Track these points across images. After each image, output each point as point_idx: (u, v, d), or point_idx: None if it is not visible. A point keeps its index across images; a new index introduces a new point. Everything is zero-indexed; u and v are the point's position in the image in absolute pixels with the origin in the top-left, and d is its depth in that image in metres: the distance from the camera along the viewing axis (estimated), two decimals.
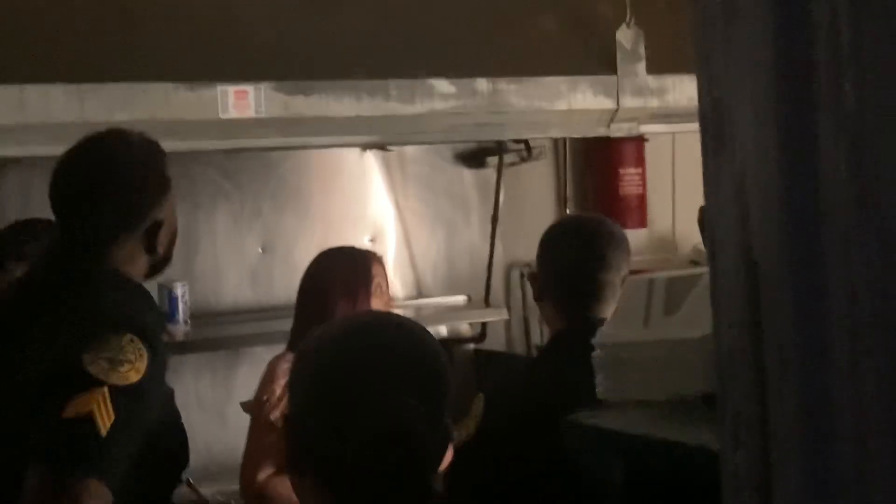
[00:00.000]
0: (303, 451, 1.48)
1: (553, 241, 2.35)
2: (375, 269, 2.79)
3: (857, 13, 0.70)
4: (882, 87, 0.72)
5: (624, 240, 2.34)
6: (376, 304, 2.74)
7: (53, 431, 1.81)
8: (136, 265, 2.05)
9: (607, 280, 2.26)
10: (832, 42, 0.74)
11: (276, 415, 2.58)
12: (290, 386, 1.55)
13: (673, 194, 3.89)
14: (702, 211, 2.25)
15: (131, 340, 1.89)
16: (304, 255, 3.37)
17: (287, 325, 2.89)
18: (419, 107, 3.14)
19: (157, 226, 2.05)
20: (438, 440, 1.48)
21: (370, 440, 1.42)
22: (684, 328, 1.26)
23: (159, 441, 1.97)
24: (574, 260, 2.28)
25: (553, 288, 2.30)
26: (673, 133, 3.70)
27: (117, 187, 2.04)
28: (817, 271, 0.77)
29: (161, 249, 2.07)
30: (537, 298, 2.38)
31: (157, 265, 2.10)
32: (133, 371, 1.87)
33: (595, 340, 1.35)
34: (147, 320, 1.98)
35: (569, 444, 1.23)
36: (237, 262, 3.64)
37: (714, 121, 0.85)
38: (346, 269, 2.75)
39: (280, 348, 2.88)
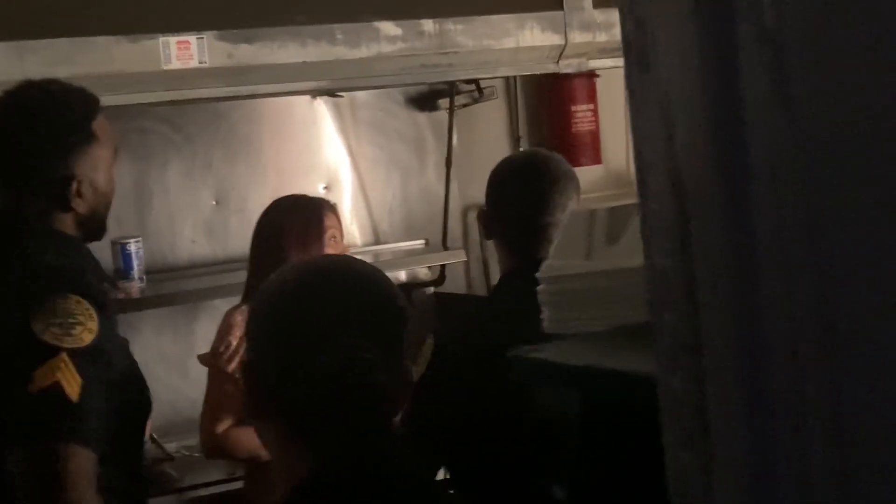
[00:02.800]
0: (263, 396, 1.49)
1: (499, 181, 2.34)
2: (329, 218, 2.77)
3: None
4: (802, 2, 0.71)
5: (572, 178, 2.33)
6: (331, 252, 2.73)
7: (26, 408, 1.79)
8: (64, 223, 2.00)
9: (553, 220, 2.25)
10: None
11: (233, 366, 2.58)
12: (248, 332, 1.55)
13: (626, 129, 3.88)
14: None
15: (77, 302, 1.87)
16: (258, 206, 3.34)
17: (243, 277, 2.88)
18: (365, 50, 3.11)
19: (68, 180, 1.98)
20: (397, 381, 1.49)
21: (325, 380, 1.43)
22: (626, 257, 1.26)
23: (123, 393, 1.96)
24: (519, 201, 2.27)
25: (501, 228, 2.30)
26: (622, 68, 3.68)
27: (11, 138, 1.98)
28: (744, 190, 0.76)
29: (81, 207, 2.00)
30: (487, 237, 2.38)
31: (87, 224, 2.03)
32: (86, 332, 1.86)
33: (539, 275, 1.35)
34: (88, 278, 1.95)
35: (515, 378, 1.23)
36: (191, 215, 3.61)
37: (637, 42, 0.84)
38: (299, 219, 2.73)
39: (238, 300, 2.87)
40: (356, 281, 1.52)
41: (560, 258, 1.34)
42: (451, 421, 2.17)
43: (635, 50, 0.84)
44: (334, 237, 2.74)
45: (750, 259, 0.77)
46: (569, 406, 1.40)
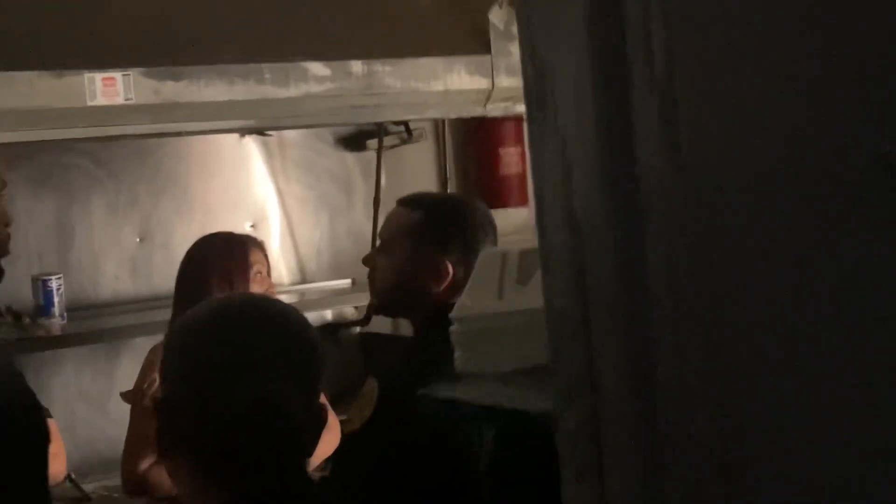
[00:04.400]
0: (174, 435, 1.47)
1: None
2: (254, 255, 2.76)
3: None
4: (688, 46, 0.73)
5: (492, 221, 2.35)
6: (256, 290, 2.71)
7: None
8: None
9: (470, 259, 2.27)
10: (642, 3, 0.75)
11: None
12: (161, 368, 1.54)
13: None
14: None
15: None
16: (184, 244, 3.31)
17: (167, 314, 2.86)
18: (293, 90, 3.11)
19: None
20: (310, 421, 1.48)
21: (236, 419, 1.42)
22: (536, 298, 1.27)
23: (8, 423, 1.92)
24: None
25: (453, 260, 2.31)
26: None
27: None
28: (636, 232, 0.78)
29: None
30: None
31: None
32: None
33: (452, 315, 1.36)
34: None
35: (426, 418, 1.24)
36: (115, 252, 3.57)
37: (537, 85, 0.86)
38: (224, 256, 2.72)
39: (162, 338, 2.83)
40: (268, 319, 1.52)
41: (473, 298, 1.35)
42: (406, 467, 2.15)
43: (536, 95, 0.86)
44: (260, 273, 2.72)
45: (641, 300, 0.79)
46: (474, 443, 1.40)
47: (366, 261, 2.42)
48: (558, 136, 0.84)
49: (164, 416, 1.49)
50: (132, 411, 2.68)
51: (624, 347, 0.80)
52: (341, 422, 2.45)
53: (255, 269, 2.74)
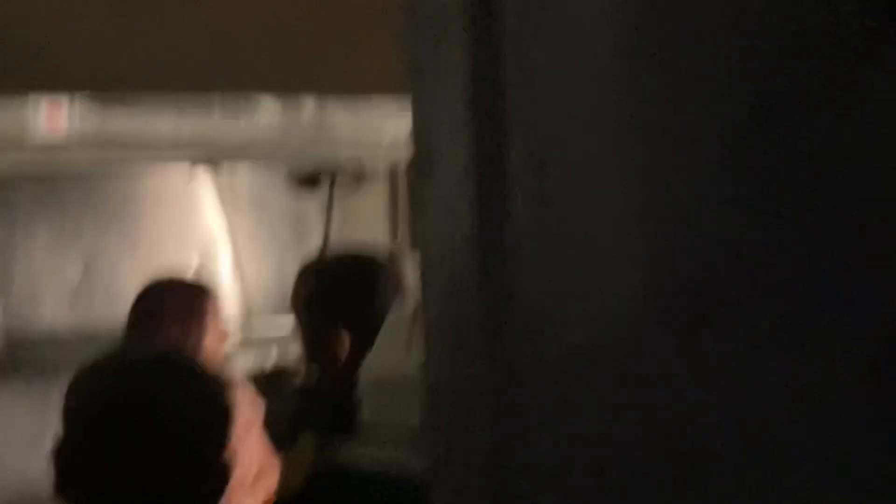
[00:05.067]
0: (69, 479, 1.43)
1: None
2: (207, 303, 2.70)
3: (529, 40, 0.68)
4: (555, 105, 0.69)
5: (392, 279, 2.23)
6: (210, 339, 2.66)
7: None
8: None
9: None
10: (519, 62, 0.71)
11: None
12: (63, 413, 1.49)
13: None
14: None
15: None
16: (129, 277, 3.26)
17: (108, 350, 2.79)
18: (244, 123, 3.07)
19: None
20: (215, 476, 1.43)
21: (132, 473, 1.37)
22: None
23: None
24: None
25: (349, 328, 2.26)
26: None
27: None
28: (506, 290, 0.73)
29: None
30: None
31: None
32: None
33: (363, 367, 1.31)
34: None
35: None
36: (56, 282, 3.50)
37: (423, 144, 0.81)
38: (177, 303, 2.66)
39: None
40: (176, 382, 1.48)
41: (379, 356, 1.30)
42: None
43: (421, 152, 0.81)
44: (213, 323, 2.67)
45: (508, 361, 0.74)
46: None
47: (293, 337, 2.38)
48: (442, 194, 0.79)
49: (60, 458, 1.45)
50: None
51: (490, 423, 0.75)
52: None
53: (207, 317, 2.68)
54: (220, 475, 1.47)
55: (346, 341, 2.19)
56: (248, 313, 3.78)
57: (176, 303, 2.65)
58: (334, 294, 2.24)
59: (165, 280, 2.77)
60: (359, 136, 3.22)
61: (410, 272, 2.21)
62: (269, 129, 3.11)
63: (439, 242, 0.80)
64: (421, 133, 0.81)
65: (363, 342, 2.20)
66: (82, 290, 3.53)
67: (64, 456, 1.44)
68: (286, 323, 3.77)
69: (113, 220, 3.57)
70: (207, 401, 1.47)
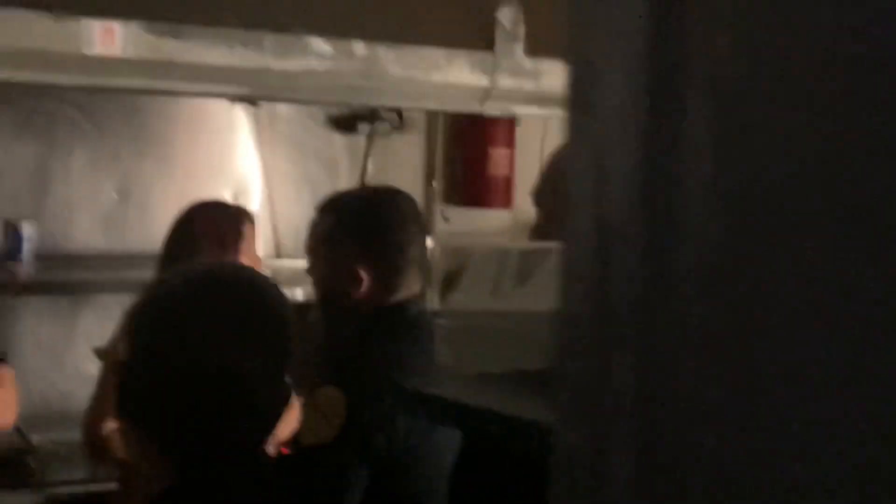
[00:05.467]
0: (134, 398, 1.43)
1: (381, 214, 2.32)
2: (247, 228, 2.74)
3: None
4: (753, 56, 0.70)
5: (412, 217, 2.34)
6: (245, 262, 2.68)
7: None
8: None
9: (415, 255, 2.29)
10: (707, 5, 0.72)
11: None
12: (128, 330, 1.50)
13: None
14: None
15: None
16: (161, 205, 3.27)
17: (138, 274, 2.81)
18: (293, 63, 3.07)
19: None
20: (274, 400, 1.45)
21: (202, 390, 1.38)
22: (533, 301, 1.24)
23: None
24: (405, 235, 2.30)
25: (369, 264, 2.27)
26: (545, 117, 3.70)
27: None
28: (670, 238, 0.75)
29: None
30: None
31: None
32: None
33: (440, 309, 1.32)
34: None
35: (395, 411, 1.20)
36: (91, 205, 3.51)
37: (581, 81, 0.82)
38: (218, 224, 2.70)
39: (128, 298, 2.78)
40: (242, 290, 1.49)
41: (466, 295, 1.31)
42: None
43: (579, 89, 0.82)
44: (250, 248, 2.70)
45: (668, 314, 0.75)
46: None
47: (307, 272, 2.41)
48: (597, 134, 0.80)
49: (125, 377, 1.46)
50: (103, 369, 2.63)
51: (635, 368, 0.77)
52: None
53: (246, 241, 2.71)
54: (283, 398, 1.48)
55: (362, 278, 2.23)
56: (277, 252, 3.79)
57: (216, 224, 2.68)
58: (353, 229, 2.28)
59: (206, 202, 2.80)
60: (404, 84, 3.22)
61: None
62: (317, 70, 3.11)
63: (590, 179, 0.81)
64: (579, 67, 0.81)
65: (382, 279, 2.26)
66: (116, 215, 3.54)
67: (127, 374, 1.45)
68: None
69: (150, 148, 3.57)
70: (281, 316, 1.48)
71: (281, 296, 1.53)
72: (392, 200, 2.36)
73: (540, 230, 2.13)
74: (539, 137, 3.93)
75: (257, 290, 1.48)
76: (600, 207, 0.80)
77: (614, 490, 0.80)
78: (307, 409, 2.11)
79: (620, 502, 0.79)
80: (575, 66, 0.82)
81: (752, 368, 0.69)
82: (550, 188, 1.71)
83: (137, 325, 1.48)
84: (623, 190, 0.78)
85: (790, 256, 0.70)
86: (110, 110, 3.49)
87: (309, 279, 2.40)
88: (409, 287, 2.29)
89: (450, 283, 3.94)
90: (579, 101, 0.82)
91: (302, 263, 3.78)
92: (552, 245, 1.32)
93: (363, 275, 2.25)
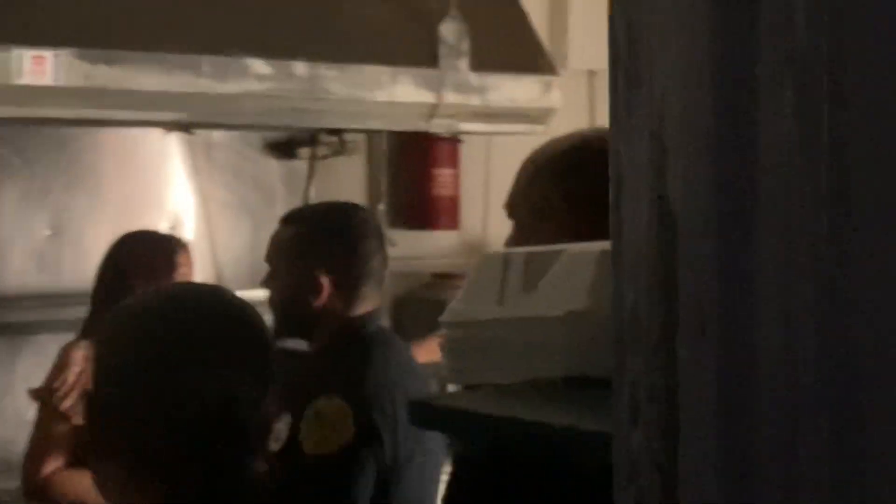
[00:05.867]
0: (110, 432, 1.34)
1: (348, 231, 2.35)
2: (180, 256, 2.66)
3: None
4: (840, 18, 0.64)
5: (371, 228, 2.38)
6: None
7: None
8: None
9: (376, 268, 2.33)
10: None
11: (68, 404, 2.40)
12: (99, 359, 1.41)
13: (486, 197, 3.84)
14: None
15: None
16: (97, 240, 3.16)
17: (75, 312, 2.71)
18: (232, 86, 2.98)
19: None
20: (261, 419, 1.38)
21: (199, 415, 1.30)
22: (543, 306, 1.17)
23: None
24: (373, 252, 2.34)
25: (331, 272, 2.29)
26: (489, 135, 3.65)
27: None
28: (748, 224, 0.68)
29: None
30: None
31: None
32: None
33: (442, 319, 1.25)
34: None
35: (420, 425, 1.13)
36: (22, 243, 3.38)
37: (628, 53, 0.76)
38: (150, 255, 2.62)
39: (67, 337, 2.68)
40: (223, 310, 1.41)
41: (468, 303, 1.24)
42: None
43: (625, 61, 0.76)
44: (185, 276, 2.61)
45: (747, 302, 0.69)
46: (475, 454, 1.29)
47: (262, 284, 2.39)
48: (653, 115, 0.74)
49: (98, 411, 1.36)
50: (41, 411, 2.52)
51: (717, 358, 0.70)
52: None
53: (180, 271, 2.63)
54: (269, 419, 1.41)
55: (322, 286, 2.20)
56: (218, 281, 3.68)
57: (147, 255, 2.61)
58: (315, 237, 2.30)
59: (135, 233, 2.74)
60: (348, 105, 3.15)
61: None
62: (257, 92, 3.02)
63: (646, 159, 0.75)
64: (626, 32, 0.75)
65: (344, 288, 2.23)
66: (49, 252, 3.41)
67: (98, 409, 1.36)
68: (256, 296, 3.70)
69: (83, 182, 3.45)
70: (263, 335, 1.41)
71: (259, 316, 1.46)
72: (355, 213, 2.39)
73: (514, 242, 2.09)
74: (483, 155, 3.88)
75: (240, 309, 1.40)
76: (660, 192, 0.74)
77: (690, 494, 0.73)
78: (310, 419, 2.10)
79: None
80: (617, 32, 0.76)
81: (844, 376, 0.63)
82: (523, 198, 1.66)
83: (111, 350, 1.39)
84: (690, 171, 0.72)
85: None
86: (40, 144, 3.37)
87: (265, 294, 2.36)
88: (370, 301, 2.31)
89: (399, 308, 3.87)
90: (624, 74, 0.76)
91: (243, 292, 3.70)
92: (557, 248, 1.25)
93: (324, 283, 2.24)
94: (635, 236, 0.76)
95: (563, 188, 1.54)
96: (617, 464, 0.78)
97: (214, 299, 1.43)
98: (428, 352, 2.67)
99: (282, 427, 2.20)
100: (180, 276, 2.62)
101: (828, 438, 0.66)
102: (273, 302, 2.35)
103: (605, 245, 0.94)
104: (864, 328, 0.64)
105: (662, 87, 0.73)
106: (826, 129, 0.64)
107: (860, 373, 0.65)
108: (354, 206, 2.47)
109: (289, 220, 2.39)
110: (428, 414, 1.05)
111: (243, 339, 1.39)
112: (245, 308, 1.43)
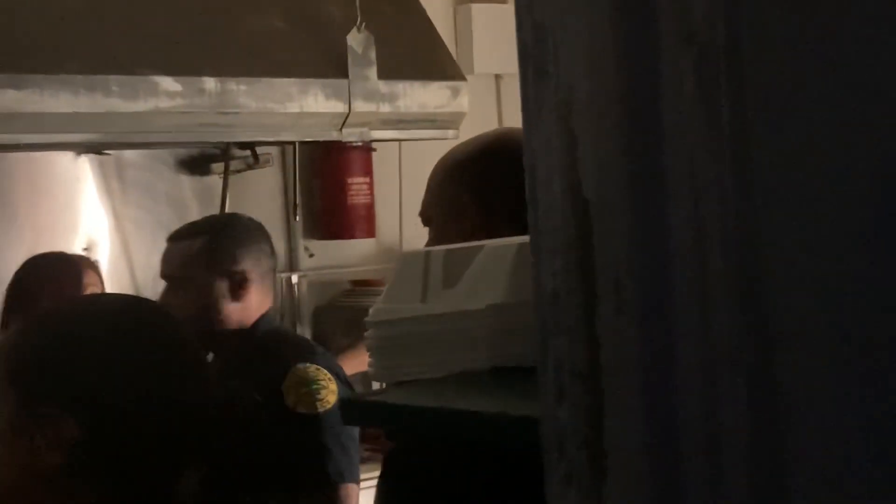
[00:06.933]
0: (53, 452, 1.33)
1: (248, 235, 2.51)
2: (88, 275, 2.66)
3: None
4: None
5: (262, 232, 2.54)
6: None
7: None
8: None
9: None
10: None
11: None
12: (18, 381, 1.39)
13: (400, 203, 3.87)
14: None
15: None
16: (10, 265, 3.12)
17: None
18: (141, 104, 2.97)
19: None
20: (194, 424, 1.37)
21: (129, 420, 1.31)
22: (465, 300, 1.20)
23: None
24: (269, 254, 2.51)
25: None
26: (400, 141, 3.68)
27: None
28: (659, 202, 0.72)
29: None
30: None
31: None
32: None
33: (367, 319, 1.27)
34: None
35: (354, 423, 1.15)
36: None
37: (535, 46, 0.79)
38: (56, 275, 2.60)
39: None
40: (148, 317, 1.42)
41: (391, 302, 1.26)
42: None
43: (533, 55, 0.79)
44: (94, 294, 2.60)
45: (663, 279, 0.72)
46: (410, 447, 1.31)
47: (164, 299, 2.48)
48: (561, 103, 0.77)
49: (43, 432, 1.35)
50: None
51: (637, 334, 0.74)
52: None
53: (88, 290, 2.62)
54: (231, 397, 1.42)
55: (248, 280, 2.38)
56: None
57: (54, 275, 2.61)
58: (212, 248, 2.41)
59: (42, 254, 2.74)
60: (259, 118, 3.16)
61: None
62: (167, 109, 3.01)
63: (556, 145, 0.78)
64: (532, 25, 0.78)
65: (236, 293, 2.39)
66: None
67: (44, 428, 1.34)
68: None
69: None
70: (186, 338, 1.41)
71: (179, 322, 1.47)
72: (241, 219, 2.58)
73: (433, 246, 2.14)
74: (395, 162, 3.91)
75: (159, 318, 1.41)
76: (572, 178, 0.77)
77: (617, 465, 0.76)
78: (292, 385, 2.25)
79: (625, 481, 0.76)
80: (524, 27, 0.79)
81: (762, 345, 0.67)
82: (436, 201, 1.70)
83: (35, 368, 1.37)
84: (598, 155, 0.75)
85: (813, 224, 0.67)
86: None
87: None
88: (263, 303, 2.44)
89: (319, 317, 3.87)
90: (533, 66, 0.79)
91: None
92: (476, 244, 1.28)
93: (248, 276, 2.41)
94: (551, 222, 0.79)
95: (473, 188, 1.57)
96: (546, 442, 0.81)
97: (137, 307, 1.44)
98: (356, 363, 2.70)
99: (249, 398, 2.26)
100: (89, 292, 2.62)
101: (746, 403, 0.69)
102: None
103: (523, 239, 0.97)
104: (778, 298, 0.68)
105: (569, 78, 0.77)
106: (727, 105, 0.68)
107: (775, 339, 0.68)
108: (239, 217, 2.63)
109: (185, 235, 2.49)
110: (361, 410, 1.07)
111: (173, 344, 1.39)
112: (170, 317, 1.44)
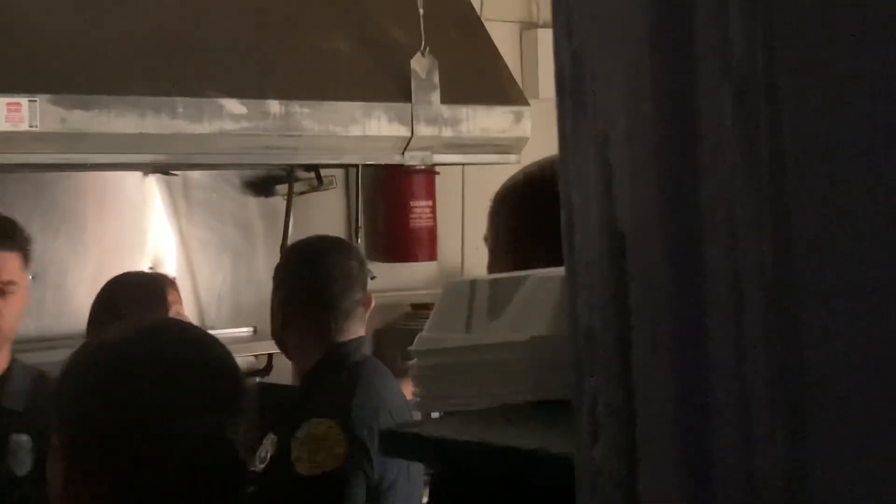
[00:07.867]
0: (85, 474, 1.34)
1: (305, 263, 2.50)
2: (171, 294, 2.68)
3: None
4: (773, 28, 0.66)
5: (362, 259, 2.56)
6: None
7: None
8: None
9: (356, 299, 2.45)
10: None
11: None
12: (68, 401, 1.40)
13: (462, 227, 3.86)
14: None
15: None
16: (78, 284, 3.17)
17: (58, 355, 2.70)
18: (206, 126, 3.00)
19: None
20: (237, 450, 1.38)
21: (183, 457, 1.30)
22: (509, 331, 1.19)
23: None
24: (334, 280, 2.45)
25: (302, 313, 2.42)
26: (463, 165, 3.68)
27: None
28: (695, 239, 0.70)
29: None
30: (285, 327, 2.46)
31: None
32: None
33: (412, 348, 1.26)
34: None
35: (393, 454, 1.14)
36: None
37: (573, 76, 0.78)
38: (141, 295, 2.63)
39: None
40: (196, 346, 1.42)
41: (437, 331, 1.25)
42: None
43: (570, 84, 0.78)
44: (178, 312, 2.63)
45: (699, 318, 0.71)
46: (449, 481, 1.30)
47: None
48: (598, 134, 0.76)
49: (69, 453, 1.36)
50: None
51: (672, 375, 0.72)
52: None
53: (173, 308, 2.65)
54: (240, 463, 1.41)
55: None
56: (201, 321, 3.69)
57: (139, 295, 2.62)
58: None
59: (124, 275, 2.76)
60: (322, 140, 3.17)
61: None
62: (232, 132, 3.04)
63: (592, 177, 0.76)
64: (574, 62, 0.77)
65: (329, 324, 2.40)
66: (31, 296, 3.40)
67: (70, 452, 1.35)
68: (239, 333, 3.70)
69: (63, 226, 3.46)
70: (236, 373, 1.41)
71: (228, 351, 1.46)
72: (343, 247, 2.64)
73: (489, 272, 2.14)
74: (458, 186, 3.90)
75: (212, 347, 1.41)
76: (608, 212, 0.75)
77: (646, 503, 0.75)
78: (302, 441, 2.18)
79: None
80: (562, 57, 0.77)
81: (800, 389, 0.65)
82: (489, 230, 1.71)
83: (80, 391, 1.39)
84: (634, 189, 0.73)
85: (853, 263, 0.65)
86: (19, 189, 3.38)
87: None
88: (353, 330, 2.44)
89: (379, 339, 3.87)
90: (570, 97, 0.77)
91: (226, 330, 3.71)
92: (522, 274, 1.27)
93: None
94: (587, 256, 0.77)
95: (510, 224, 1.59)
96: (579, 481, 0.79)
97: (186, 335, 1.44)
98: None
99: (267, 446, 2.25)
100: (172, 313, 2.64)
101: (782, 447, 0.67)
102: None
103: None
104: (814, 343, 0.66)
105: (606, 110, 0.75)
106: (765, 139, 0.66)
107: (811, 381, 0.66)
108: (340, 241, 2.73)
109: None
110: (398, 443, 1.06)
111: (227, 383, 1.39)
112: (219, 347, 1.44)
